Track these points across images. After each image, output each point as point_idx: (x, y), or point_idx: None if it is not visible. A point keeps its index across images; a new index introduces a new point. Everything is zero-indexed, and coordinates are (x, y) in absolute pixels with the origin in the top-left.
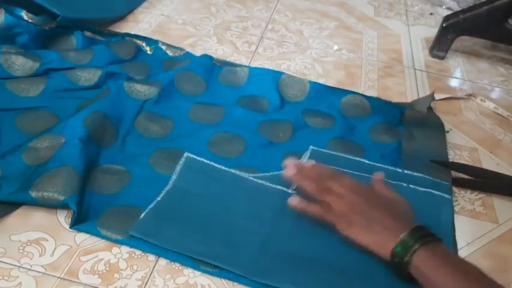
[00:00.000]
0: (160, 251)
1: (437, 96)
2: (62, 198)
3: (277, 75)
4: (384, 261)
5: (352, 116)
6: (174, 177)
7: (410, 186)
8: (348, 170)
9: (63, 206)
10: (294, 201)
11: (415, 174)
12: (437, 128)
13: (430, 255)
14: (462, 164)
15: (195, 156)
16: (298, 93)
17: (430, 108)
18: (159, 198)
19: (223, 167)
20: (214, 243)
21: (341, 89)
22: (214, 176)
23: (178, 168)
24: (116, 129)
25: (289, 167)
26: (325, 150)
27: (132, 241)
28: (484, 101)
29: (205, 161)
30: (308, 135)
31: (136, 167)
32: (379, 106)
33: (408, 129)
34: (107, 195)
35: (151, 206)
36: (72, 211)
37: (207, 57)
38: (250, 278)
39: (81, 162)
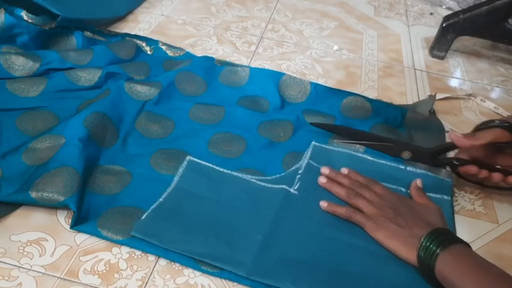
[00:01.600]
0: (161, 252)
1: (437, 96)
2: (61, 198)
3: (278, 75)
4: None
5: (353, 117)
6: (176, 178)
7: (409, 191)
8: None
9: (63, 206)
10: (323, 204)
11: (418, 171)
12: (438, 132)
13: (452, 260)
14: (342, 127)
15: (197, 160)
16: (299, 94)
17: (432, 111)
18: (161, 199)
19: (225, 170)
20: (216, 244)
21: (342, 90)
22: (217, 178)
23: (180, 170)
24: (116, 130)
25: (323, 175)
26: (328, 146)
27: (132, 241)
28: (484, 101)
29: (207, 164)
30: (309, 134)
31: (136, 167)
32: (380, 108)
33: (408, 131)
34: (107, 196)
35: (153, 206)
36: (72, 211)
37: (207, 58)
38: (251, 278)
39: (81, 162)
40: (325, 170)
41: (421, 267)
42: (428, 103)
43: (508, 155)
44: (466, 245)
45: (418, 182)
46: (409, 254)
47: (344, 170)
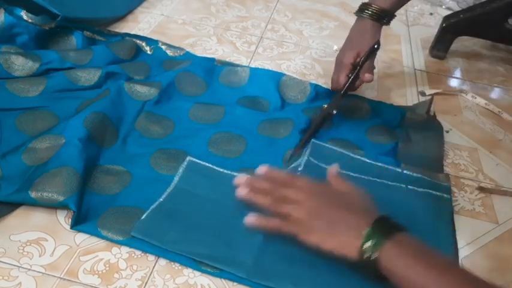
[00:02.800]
0: (160, 251)
1: (427, 92)
2: (61, 198)
3: (278, 76)
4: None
5: (352, 117)
6: (176, 179)
7: (409, 187)
8: (344, 171)
9: (63, 206)
10: (251, 220)
11: (414, 174)
12: (436, 132)
13: (398, 250)
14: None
15: (197, 160)
16: (299, 95)
17: (429, 112)
18: (161, 199)
19: (225, 170)
20: (216, 244)
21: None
22: (216, 179)
23: (180, 170)
24: (116, 130)
25: (241, 186)
26: (327, 145)
27: (132, 241)
28: (475, 98)
29: (207, 164)
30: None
31: (136, 167)
32: (379, 109)
33: (406, 131)
34: (107, 196)
35: (153, 206)
36: (72, 211)
37: (208, 59)
38: (251, 280)
39: (81, 162)
40: (240, 180)
41: (361, 261)
42: (425, 104)
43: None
44: (408, 233)
45: (334, 167)
46: (348, 248)
47: (261, 170)
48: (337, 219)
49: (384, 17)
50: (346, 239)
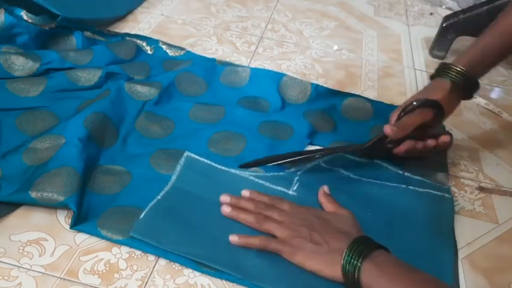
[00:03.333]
0: (160, 251)
1: None
2: (61, 198)
3: (278, 76)
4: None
5: (354, 118)
6: (174, 177)
7: (410, 187)
8: (345, 172)
9: (63, 206)
10: (234, 238)
11: (415, 177)
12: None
13: (375, 270)
14: (273, 156)
15: (195, 156)
16: (300, 95)
17: None
18: (159, 197)
19: (223, 167)
20: (214, 245)
21: (343, 92)
22: (214, 177)
23: (178, 168)
24: (116, 130)
25: (224, 205)
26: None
27: (132, 241)
28: (475, 97)
29: (205, 160)
30: (309, 136)
31: (136, 167)
32: (381, 109)
33: None
34: (107, 196)
35: (151, 204)
36: (72, 211)
37: (208, 59)
38: (249, 281)
39: (81, 162)
40: (225, 198)
41: (347, 284)
42: None
43: (432, 128)
44: (385, 249)
45: (325, 188)
46: (333, 271)
47: (245, 193)
48: (319, 242)
49: (462, 78)
50: (329, 262)
